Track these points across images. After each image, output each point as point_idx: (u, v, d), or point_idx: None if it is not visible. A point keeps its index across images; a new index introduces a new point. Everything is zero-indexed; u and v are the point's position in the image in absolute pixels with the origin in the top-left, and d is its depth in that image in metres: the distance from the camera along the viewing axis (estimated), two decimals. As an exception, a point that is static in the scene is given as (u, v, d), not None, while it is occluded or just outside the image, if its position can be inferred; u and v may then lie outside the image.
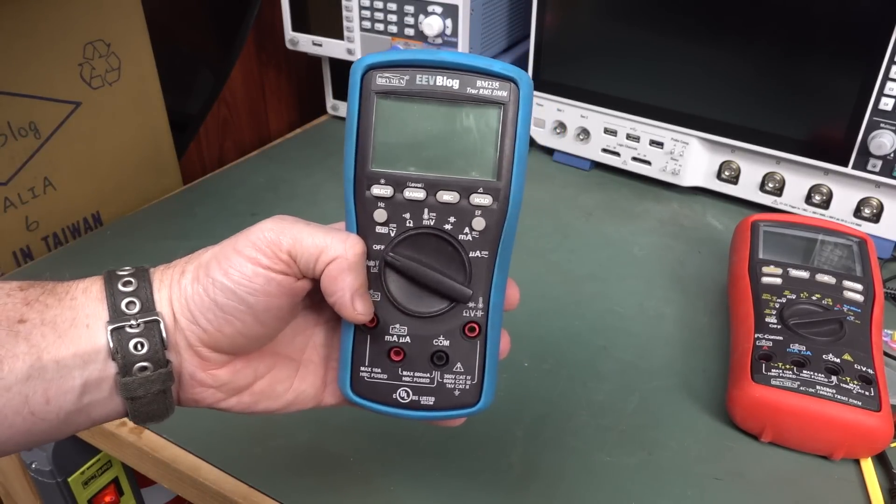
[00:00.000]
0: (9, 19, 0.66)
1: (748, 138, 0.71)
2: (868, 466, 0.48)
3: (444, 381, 0.35)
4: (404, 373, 0.35)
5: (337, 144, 0.91)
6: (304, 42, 0.87)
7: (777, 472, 0.48)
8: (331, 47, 0.85)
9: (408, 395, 0.35)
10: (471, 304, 0.34)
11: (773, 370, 0.49)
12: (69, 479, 0.66)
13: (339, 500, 0.47)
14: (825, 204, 0.71)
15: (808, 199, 0.71)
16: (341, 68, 0.92)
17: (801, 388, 0.47)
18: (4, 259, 0.72)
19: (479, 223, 0.33)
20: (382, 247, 0.34)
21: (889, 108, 0.63)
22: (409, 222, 0.33)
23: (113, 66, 0.76)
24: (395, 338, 0.35)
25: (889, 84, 0.62)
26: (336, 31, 0.84)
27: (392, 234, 0.34)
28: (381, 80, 0.33)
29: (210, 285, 0.33)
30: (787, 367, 0.49)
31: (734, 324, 0.56)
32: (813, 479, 0.48)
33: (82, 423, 0.33)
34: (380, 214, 0.33)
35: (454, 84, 0.32)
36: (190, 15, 1.00)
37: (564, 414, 0.52)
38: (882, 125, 0.63)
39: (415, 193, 0.33)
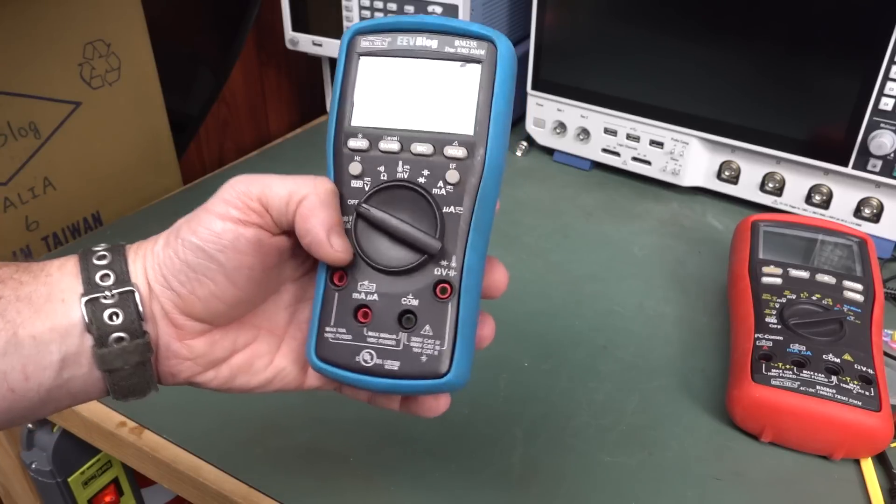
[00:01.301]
0: (9, 19, 0.66)
1: (748, 138, 0.71)
2: (868, 466, 0.48)
3: (411, 344, 0.33)
4: (370, 333, 0.34)
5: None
6: (304, 42, 0.87)
7: (777, 472, 0.48)
8: (331, 47, 0.85)
9: (371, 358, 0.33)
10: (443, 262, 0.33)
11: (773, 370, 0.49)
12: (69, 479, 0.66)
13: (338, 500, 0.47)
14: (825, 204, 0.71)
15: (808, 199, 0.71)
16: (341, 68, 0.92)
17: (801, 388, 0.47)
18: (4, 259, 0.72)
19: (452, 176, 0.33)
20: (356, 201, 0.34)
21: (889, 108, 0.63)
22: (383, 175, 0.33)
23: (113, 66, 0.76)
24: (362, 295, 0.34)
25: (889, 84, 0.62)
26: (336, 31, 0.84)
27: (366, 188, 0.34)
28: (366, 42, 0.34)
29: (180, 246, 0.33)
30: (787, 367, 0.49)
31: (734, 324, 0.56)
32: (813, 479, 0.48)
33: (63, 400, 0.33)
34: (354, 167, 0.34)
35: (433, 44, 0.34)
36: (190, 15, 1.00)
37: (564, 414, 0.52)
38: (882, 125, 0.63)
39: (389, 145, 0.33)
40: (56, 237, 0.76)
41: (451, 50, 0.33)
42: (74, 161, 0.75)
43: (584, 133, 0.81)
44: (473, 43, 0.33)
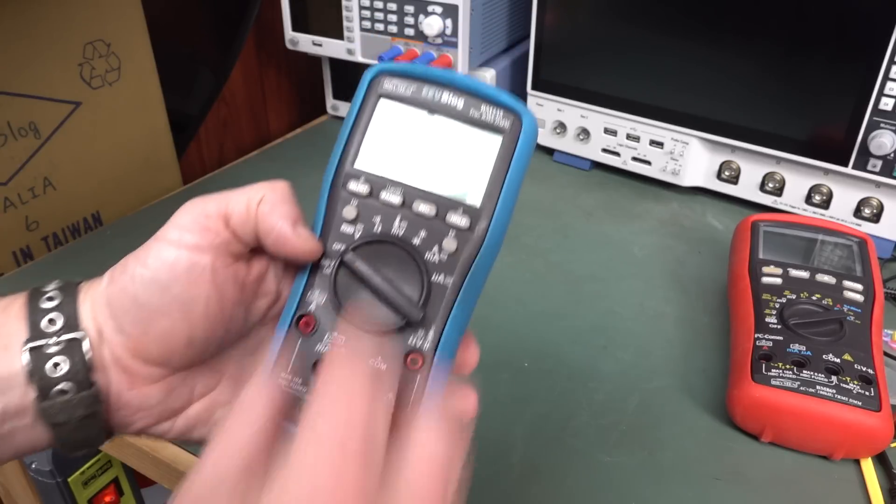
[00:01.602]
0: (9, 19, 0.66)
1: (748, 138, 0.71)
2: (868, 466, 0.48)
3: None
4: None
5: (337, 144, 0.91)
6: (304, 42, 0.87)
7: (777, 472, 0.48)
8: (331, 47, 0.85)
9: None
10: (420, 332, 0.31)
11: (773, 370, 0.49)
12: (69, 479, 0.66)
13: (339, 500, 0.47)
14: (825, 204, 0.71)
15: (808, 199, 0.71)
16: (341, 68, 0.92)
17: (801, 388, 0.47)
18: (4, 259, 0.72)
19: (449, 244, 0.31)
20: (343, 246, 0.31)
21: (889, 108, 0.63)
22: (378, 227, 0.31)
23: (113, 66, 0.76)
24: (325, 347, 0.31)
25: (889, 84, 0.62)
26: (336, 31, 0.84)
27: (356, 236, 0.32)
28: (389, 84, 0.32)
29: (129, 282, 0.30)
30: (787, 367, 0.49)
31: (734, 324, 0.56)
32: (813, 479, 0.48)
33: (5, 453, 0.30)
34: (349, 211, 0.32)
35: (459, 103, 0.32)
36: (190, 15, 0.99)
37: (564, 414, 0.52)
38: (882, 125, 0.63)
39: (391, 197, 0.31)
40: (56, 237, 0.76)
41: (476, 114, 0.31)
42: (74, 161, 0.75)
43: (584, 133, 0.81)
44: (500, 112, 0.31)
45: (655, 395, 0.54)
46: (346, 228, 0.32)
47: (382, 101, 0.32)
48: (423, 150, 0.32)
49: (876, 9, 0.60)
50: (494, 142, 0.31)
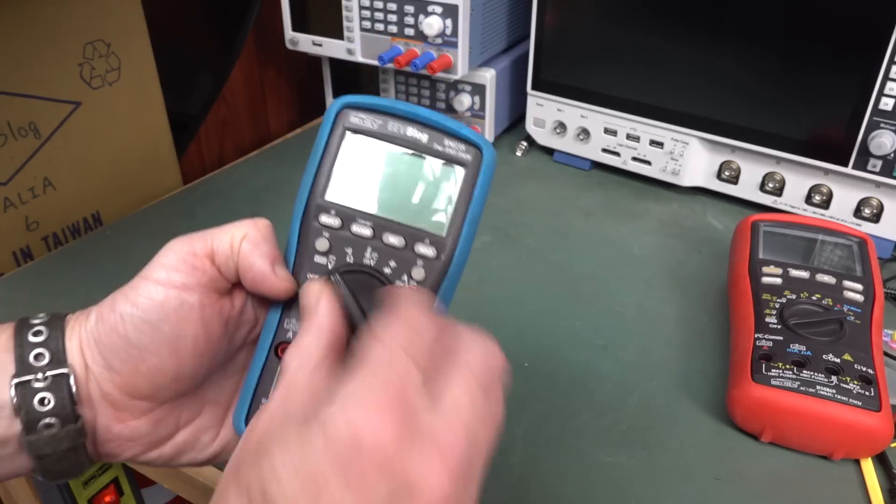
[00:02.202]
0: (9, 19, 0.66)
1: (748, 138, 0.71)
2: (868, 466, 0.48)
3: None
4: None
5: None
6: (304, 42, 0.87)
7: (777, 472, 0.48)
8: (331, 47, 0.85)
9: None
10: None
11: (773, 370, 0.49)
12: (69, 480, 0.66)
13: (339, 500, 0.47)
14: (825, 204, 0.71)
15: (808, 199, 0.71)
16: (341, 68, 0.92)
17: (801, 388, 0.47)
18: (4, 259, 0.72)
19: (418, 273, 0.33)
20: (316, 277, 0.33)
21: (889, 108, 0.63)
22: (350, 258, 0.33)
23: (113, 66, 0.76)
24: None
25: (889, 84, 0.62)
26: (336, 31, 0.84)
27: (329, 266, 0.33)
28: (355, 118, 0.33)
29: (118, 321, 0.31)
30: (787, 367, 0.49)
31: (734, 324, 0.56)
32: (813, 479, 0.48)
33: None
34: (322, 243, 0.33)
35: (423, 137, 0.33)
36: (190, 15, 1.00)
37: (564, 414, 0.52)
38: (882, 125, 0.63)
39: (362, 229, 0.33)
40: (56, 237, 0.76)
41: (440, 148, 0.33)
42: (74, 161, 0.75)
43: (584, 133, 0.81)
44: (462, 146, 0.33)
45: (655, 395, 0.54)
46: (320, 259, 0.33)
47: (349, 134, 0.34)
48: (390, 182, 0.33)
49: (876, 9, 0.60)
50: (458, 173, 0.33)
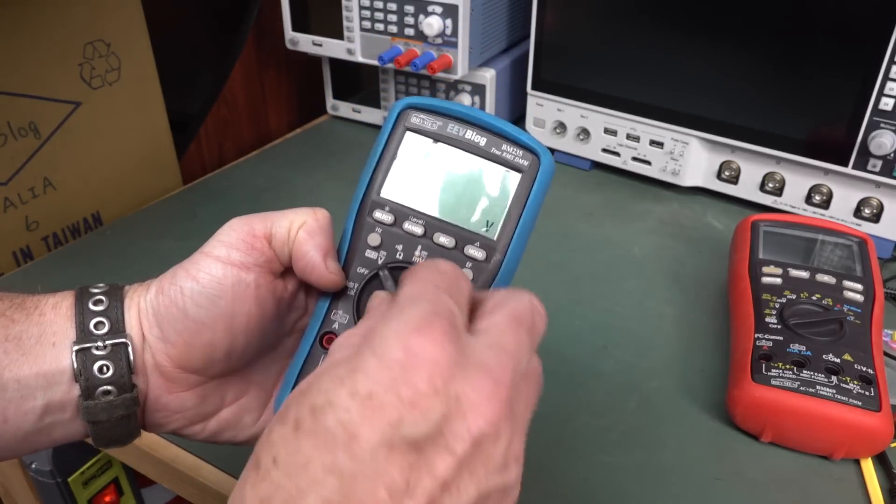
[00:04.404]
0: (9, 19, 0.66)
1: (748, 138, 0.71)
2: (868, 466, 0.48)
3: None
4: None
5: (337, 144, 0.91)
6: (304, 42, 0.87)
7: (777, 472, 0.48)
8: (331, 47, 0.85)
9: None
10: None
11: (773, 370, 0.49)
12: (69, 479, 0.66)
13: (339, 500, 0.47)
14: (825, 204, 0.71)
15: (808, 199, 0.71)
16: (341, 68, 0.92)
17: (801, 388, 0.47)
18: (4, 259, 0.72)
19: (467, 275, 0.33)
20: (366, 271, 0.34)
21: (889, 108, 0.63)
22: (400, 254, 0.34)
23: (113, 66, 0.76)
24: None
25: (889, 84, 0.62)
26: (336, 31, 0.84)
27: (379, 262, 0.34)
28: (416, 119, 0.34)
29: (178, 294, 0.32)
30: (787, 367, 0.49)
31: (734, 324, 0.56)
32: (813, 479, 0.48)
33: (42, 444, 0.32)
34: (374, 238, 0.34)
35: (482, 141, 0.34)
36: (190, 15, 1.00)
37: (564, 414, 0.52)
38: (882, 125, 0.63)
39: (414, 227, 0.33)
40: (56, 237, 0.76)
41: (497, 152, 0.33)
42: (74, 161, 0.75)
43: (584, 133, 0.81)
44: (520, 151, 0.33)
45: (655, 395, 0.54)
46: (370, 254, 0.34)
47: (409, 134, 0.34)
48: (445, 183, 0.34)
49: (876, 9, 0.60)
50: (514, 179, 0.33)
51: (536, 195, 0.33)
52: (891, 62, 0.61)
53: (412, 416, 0.23)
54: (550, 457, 0.49)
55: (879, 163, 0.65)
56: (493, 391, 0.24)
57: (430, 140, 0.34)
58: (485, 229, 0.33)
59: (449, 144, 0.34)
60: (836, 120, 0.66)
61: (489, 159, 0.33)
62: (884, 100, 0.63)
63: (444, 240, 0.33)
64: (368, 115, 0.93)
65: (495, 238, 0.33)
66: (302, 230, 0.33)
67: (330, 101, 0.96)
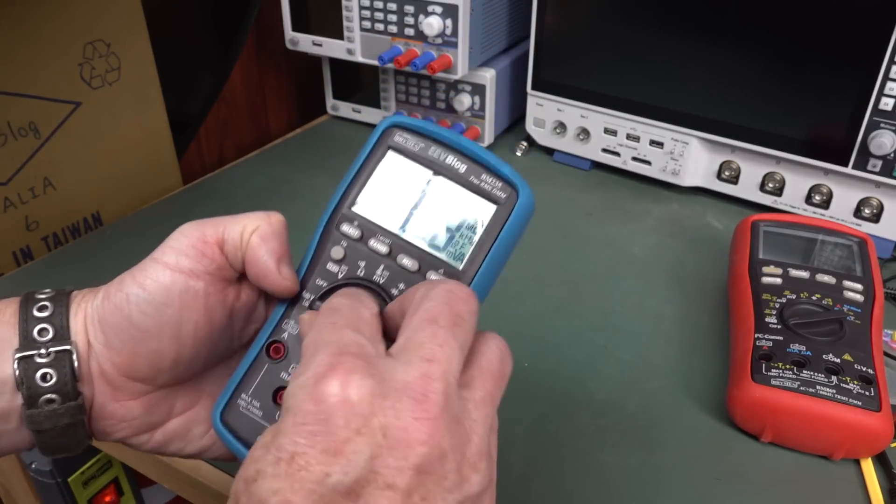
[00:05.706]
0: (9, 20, 0.66)
1: (748, 138, 0.71)
2: (868, 466, 0.48)
3: None
4: None
5: (338, 144, 0.91)
6: (304, 42, 0.87)
7: (777, 472, 0.48)
8: (331, 47, 0.85)
9: None
10: None
11: (773, 370, 0.49)
12: (69, 479, 0.66)
13: (339, 500, 0.47)
14: (825, 204, 0.71)
15: (808, 199, 0.71)
16: (341, 68, 0.92)
17: (801, 388, 0.47)
18: (4, 259, 0.72)
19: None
20: (325, 283, 0.33)
21: (889, 108, 0.63)
22: (361, 271, 0.33)
23: (113, 66, 0.76)
24: (289, 377, 0.32)
25: (889, 84, 0.62)
26: (336, 31, 0.84)
27: (340, 276, 0.33)
28: (400, 138, 0.34)
29: (124, 301, 0.31)
30: (787, 367, 0.49)
31: (734, 324, 0.56)
32: (813, 479, 0.48)
33: None
34: (337, 251, 0.33)
35: (462, 168, 0.33)
36: (190, 15, 1.00)
37: (564, 414, 0.52)
38: (882, 125, 0.63)
39: (379, 245, 0.33)
40: (56, 237, 0.76)
41: (476, 181, 0.33)
42: (74, 161, 0.75)
43: (584, 133, 0.81)
44: (499, 183, 0.32)
45: (655, 395, 0.54)
46: (332, 267, 0.33)
47: (390, 152, 0.34)
48: (418, 205, 0.33)
49: (876, 9, 0.60)
50: (488, 210, 0.32)
51: (511, 230, 0.32)
52: (891, 62, 0.61)
53: (338, 465, 0.22)
54: (550, 457, 0.49)
55: (879, 163, 0.65)
56: (419, 411, 0.23)
57: (410, 161, 0.33)
58: (451, 257, 0.32)
59: (428, 167, 0.33)
60: (836, 120, 0.66)
61: (466, 187, 0.33)
62: (884, 100, 0.63)
63: (407, 262, 0.32)
64: (368, 115, 0.93)
65: (461, 268, 0.32)
66: (255, 235, 0.32)
67: (330, 101, 0.96)
